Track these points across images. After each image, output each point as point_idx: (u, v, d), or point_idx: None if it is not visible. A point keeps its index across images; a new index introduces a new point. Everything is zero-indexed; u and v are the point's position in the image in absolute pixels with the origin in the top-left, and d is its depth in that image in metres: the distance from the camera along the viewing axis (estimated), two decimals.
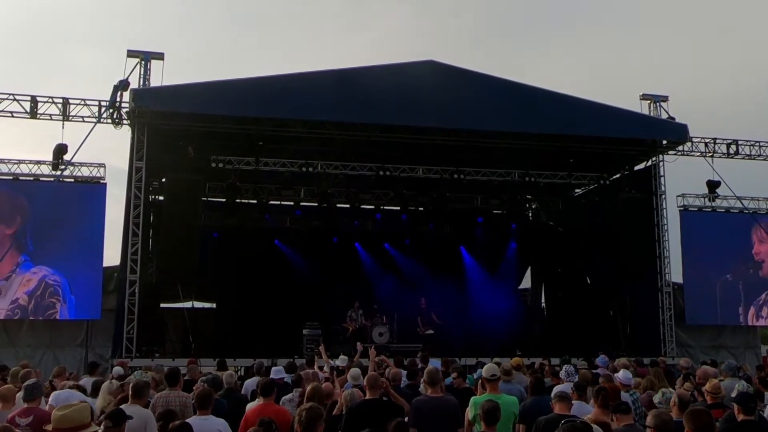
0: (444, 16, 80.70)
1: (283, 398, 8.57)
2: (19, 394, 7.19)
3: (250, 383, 10.11)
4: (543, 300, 24.92)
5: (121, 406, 6.61)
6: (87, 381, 9.75)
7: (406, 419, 6.62)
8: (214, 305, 22.68)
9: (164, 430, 6.01)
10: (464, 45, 79.58)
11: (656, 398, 7.46)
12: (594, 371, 10.78)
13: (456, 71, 17.58)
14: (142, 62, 16.67)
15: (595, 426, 5.31)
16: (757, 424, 6.55)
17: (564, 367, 9.63)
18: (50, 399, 7.68)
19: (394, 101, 16.68)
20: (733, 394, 7.01)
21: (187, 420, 6.41)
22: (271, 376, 9.31)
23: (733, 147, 20.32)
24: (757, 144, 20.63)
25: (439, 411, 7.05)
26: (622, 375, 9.04)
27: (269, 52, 79.91)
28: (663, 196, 19.51)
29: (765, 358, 20.94)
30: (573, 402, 7.04)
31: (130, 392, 7.00)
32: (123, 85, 16.39)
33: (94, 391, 8.50)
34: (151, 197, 18.81)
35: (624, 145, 18.75)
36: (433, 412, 7.01)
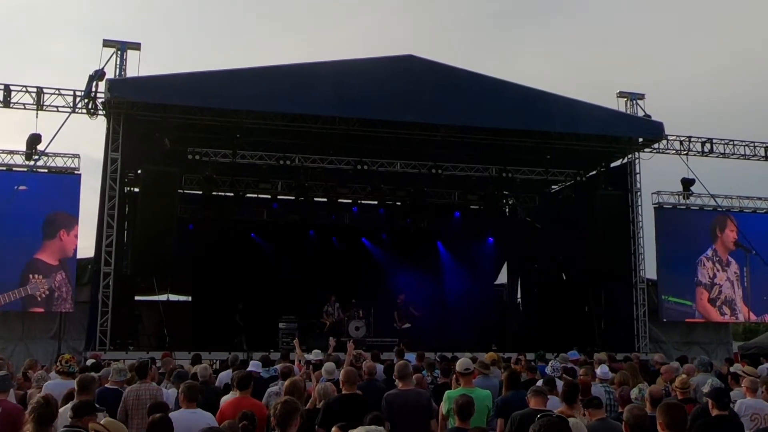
0: (422, 11, 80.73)
1: (269, 390, 8.56)
2: None
3: (224, 376, 10.08)
4: (519, 295, 25.00)
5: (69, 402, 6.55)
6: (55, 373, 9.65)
7: None
8: (190, 298, 22.55)
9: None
10: (441, 40, 79.69)
11: (633, 393, 7.54)
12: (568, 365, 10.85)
13: (435, 66, 17.59)
14: (119, 52, 16.46)
15: (572, 420, 5.33)
16: (731, 419, 6.64)
17: (551, 363, 9.70)
18: (43, 389, 7.68)
19: (372, 96, 16.68)
20: (706, 390, 7.10)
21: (174, 413, 6.39)
22: (248, 369, 9.28)
23: (708, 145, 20.55)
24: (731, 143, 20.88)
25: (409, 404, 7.09)
26: (600, 371, 9.16)
27: (248, 44, 79.47)
28: (638, 194, 19.65)
29: (736, 354, 21.21)
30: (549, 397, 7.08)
31: (76, 387, 6.97)
32: (98, 74, 16.19)
33: None
34: (126, 189, 18.65)
35: (600, 142, 18.87)
36: (404, 405, 7.05)
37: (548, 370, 9.33)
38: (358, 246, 23.41)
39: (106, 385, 8.33)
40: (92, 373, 8.27)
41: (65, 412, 6.14)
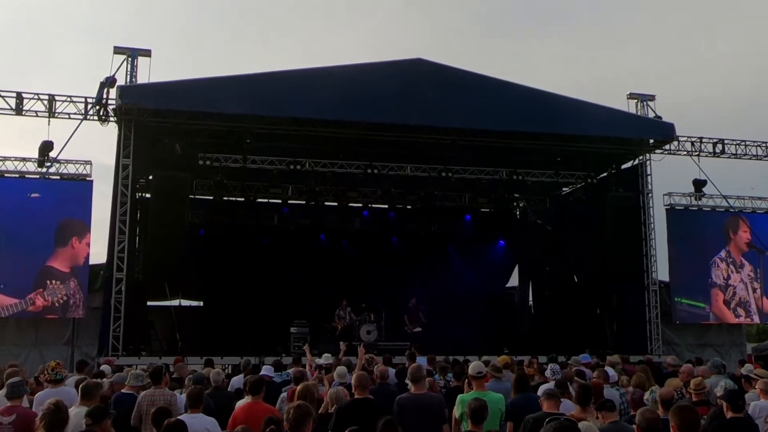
0: (433, 13, 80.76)
1: (282, 395, 8.57)
2: (2, 392, 7.16)
3: (237, 381, 10.09)
4: (530, 298, 24.94)
5: (72, 407, 6.57)
6: (72, 380, 9.68)
7: None
8: (201, 303, 22.60)
9: (158, 428, 5.96)
10: (452, 43, 79.68)
11: (645, 396, 7.51)
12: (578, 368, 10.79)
13: (444, 69, 17.61)
14: (129, 59, 16.53)
15: (584, 423, 5.32)
16: (746, 421, 6.60)
17: (550, 365, 9.65)
18: (33, 401, 7.60)
19: (382, 99, 16.67)
20: (720, 392, 7.05)
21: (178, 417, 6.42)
22: (260, 373, 9.29)
23: (719, 146, 20.47)
24: (743, 143, 20.79)
25: (421, 408, 7.07)
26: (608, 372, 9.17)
27: (259, 50, 79.70)
28: (650, 195, 19.58)
29: (750, 355, 21.07)
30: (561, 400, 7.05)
31: (79, 393, 6.98)
32: (110, 81, 16.29)
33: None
34: (138, 194, 18.70)
35: (611, 143, 18.81)
36: (416, 409, 7.03)
37: (548, 373, 9.27)
38: (369, 250, 23.40)
39: (122, 390, 8.38)
40: (98, 379, 8.27)
41: (76, 417, 6.17)
